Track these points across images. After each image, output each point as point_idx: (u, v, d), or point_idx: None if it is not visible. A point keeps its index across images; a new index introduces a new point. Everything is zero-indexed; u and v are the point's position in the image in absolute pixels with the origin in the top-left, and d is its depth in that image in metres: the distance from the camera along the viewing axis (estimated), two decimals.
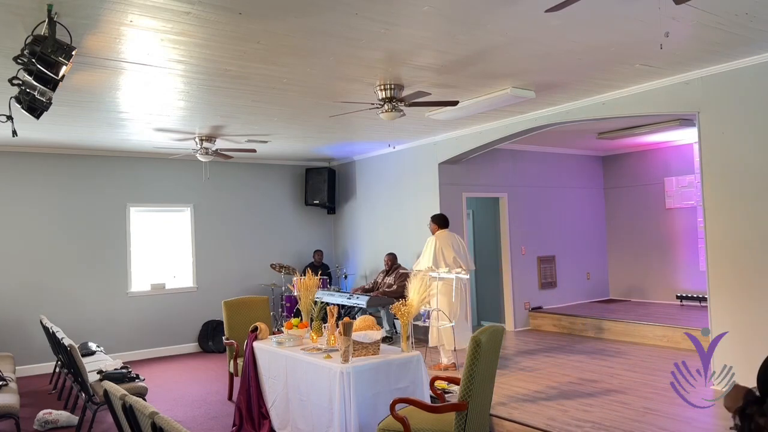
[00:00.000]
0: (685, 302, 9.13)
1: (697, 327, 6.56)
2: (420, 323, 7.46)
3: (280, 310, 9.39)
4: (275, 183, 10.05)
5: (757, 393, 1.60)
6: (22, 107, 3.84)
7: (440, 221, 6.78)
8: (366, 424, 4.02)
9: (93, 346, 6.83)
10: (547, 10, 3.37)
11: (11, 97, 3.89)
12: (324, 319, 5.09)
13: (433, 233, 6.70)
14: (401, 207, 9.00)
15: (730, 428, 1.58)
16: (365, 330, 4.44)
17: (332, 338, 4.59)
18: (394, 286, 8.08)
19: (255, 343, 5.20)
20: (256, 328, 5.36)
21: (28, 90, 3.69)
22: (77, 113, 5.99)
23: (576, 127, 7.37)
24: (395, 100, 5.34)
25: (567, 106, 6.46)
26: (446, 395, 4.46)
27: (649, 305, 9.27)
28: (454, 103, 5.61)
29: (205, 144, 7.46)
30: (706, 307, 5.55)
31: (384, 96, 5.33)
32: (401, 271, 8.28)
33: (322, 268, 9.63)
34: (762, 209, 5.02)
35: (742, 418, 1.53)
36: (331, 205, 10.32)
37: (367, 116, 6.24)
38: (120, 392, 2.94)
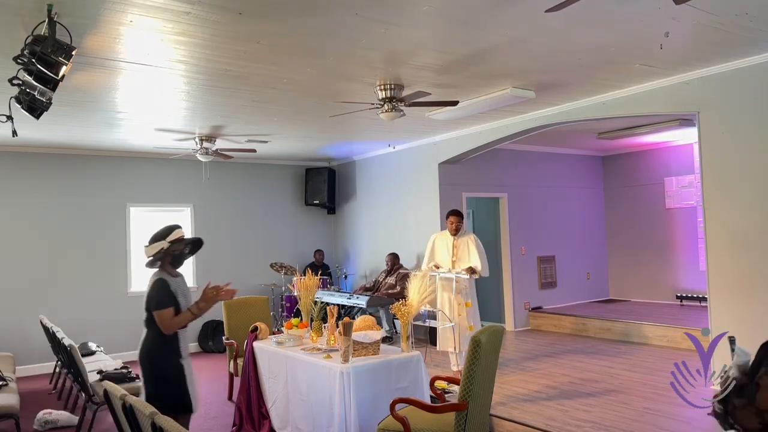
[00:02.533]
0: (685, 302, 9.13)
1: (697, 327, 6.56)
2: (420, 323, 7.46)
3: (280, 310, 9.39)
4: (275, 183, 10.04)
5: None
6: (22, 107, 3.84)
7: None
8: (366, 424, 4.02)
9: (93, 346, 6.83)
10: (547, 10, 3.37)
11: (11, 97, 3.89)
12: (324, 319, 5.08)
13: (458, 232, 6.26)
14: (401, 207, 9.00)
15: (708, 414, 1.64)
16: (365, 330, 4.43)
17: (332, 338, 4.59)
18: (397, 288, 8.07)
19: (255, 343, 5.20)
20: (256, 328, 5.36)
21: (28, 90, 3.69)
22: (77, 113, 5.99)
23: (576, 127, 7.37)
24: (395, 100, 5.34)
25: (567, 106, 6.46)
26: (446, 395, 4.46)
27: (649, 305, 9.27)
28: (454, 103, 5.61)
29: (205, 144, 7.46)
30: (706, 307, 5.55)
31: (384, 96, 5.33)
32: (402, 271, 8.28)
33: (322, 268, 9.63)
34: (762, 209, 5.02)
35: (723, 404, 1.61)
36: (331, 205, 10.32)
37: (367, 116, 6.24)
38: (120, 392, 2.94)
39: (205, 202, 9.27)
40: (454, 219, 6.27)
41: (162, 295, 3.51)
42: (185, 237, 3.67)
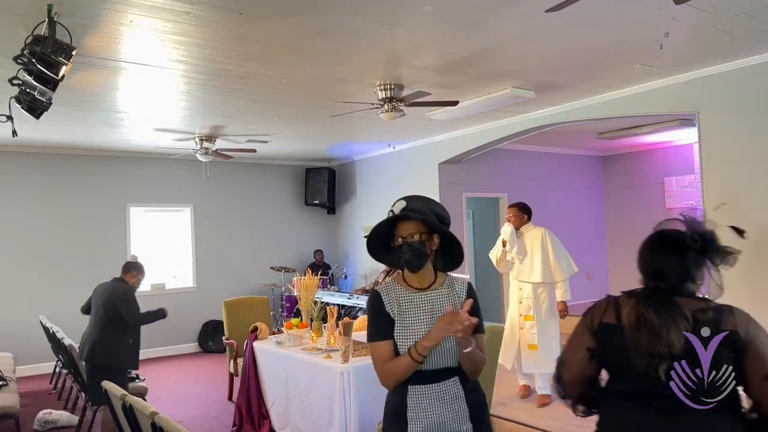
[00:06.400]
0: None
1: None
2: None
3: (280, 310, 9.39)
4: (275, 183, 10.05)
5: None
6: (22, 107, 3.84)
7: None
8: (366, 424, 4.02)
9: None
10: (547, 10, 3.37)
11: (11, 97, 3.90)
12: (324, 319, 5.08)
13: (521, 227, 5.75)
14: None
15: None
16: (365, 330, 4.43)
17: (332, 338, 4.59)
18: None
19: (255, 343, 5.20)
20: (256, 328, 5.36)
21: (28, 90, 3.69)
22: (77, 113, 5.99)
23: (576, 127, 7.36)
24: (395, 100, 5.34)
25: (567, 106, 6.46)
26: None
27: None
28: (454, 103, 5.61)
29: (205, 144, 7.46)
30: None
31: (384, 96, 5.33)
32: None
33: (323, 268, 9.63)
34: (762, 209, 5.02)
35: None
36: (331, 205, 10.32)
37: (367, 116, 6.24)
38: (120, 392, 2.94)
39: (205, 202, 9.27)
40: (513, 210, 5.80)
41: (369, 320, 2.24)
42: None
